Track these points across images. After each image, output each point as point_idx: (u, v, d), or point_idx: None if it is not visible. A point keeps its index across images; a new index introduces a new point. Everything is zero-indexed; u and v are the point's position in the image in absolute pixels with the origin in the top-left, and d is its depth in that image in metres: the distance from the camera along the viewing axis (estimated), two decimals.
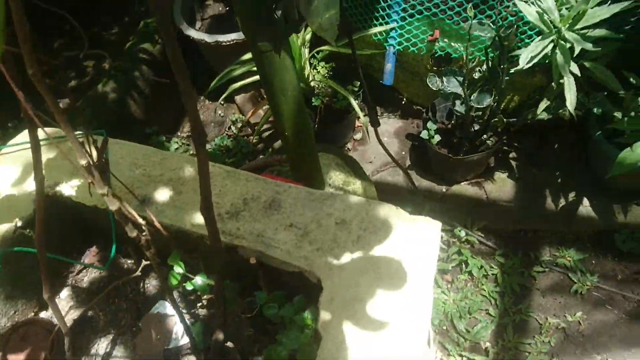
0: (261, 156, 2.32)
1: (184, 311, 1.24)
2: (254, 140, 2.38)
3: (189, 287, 1.10)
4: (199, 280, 1.10)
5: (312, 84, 2.12)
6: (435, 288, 1.90)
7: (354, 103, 1.99)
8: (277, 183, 1.10)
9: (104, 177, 0.90)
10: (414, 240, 1.01)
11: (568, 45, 1.58)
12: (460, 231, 2.00)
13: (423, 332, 0.94)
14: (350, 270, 0.97)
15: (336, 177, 1.92)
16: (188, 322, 1.21)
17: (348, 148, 2.31)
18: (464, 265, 1.95)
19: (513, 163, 2.14)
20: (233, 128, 2.46)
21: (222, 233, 1.06)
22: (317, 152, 1.70)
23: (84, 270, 1.32)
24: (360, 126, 2.33)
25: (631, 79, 1.70)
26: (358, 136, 2.33)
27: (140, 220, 0.80)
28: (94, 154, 0.83)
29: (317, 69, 2.04)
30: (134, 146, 1.24)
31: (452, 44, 1.92)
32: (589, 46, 1.51)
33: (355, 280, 0.96)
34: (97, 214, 1.17)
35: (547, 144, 2.14)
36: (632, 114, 1.71)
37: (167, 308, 1.24)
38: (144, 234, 0.80)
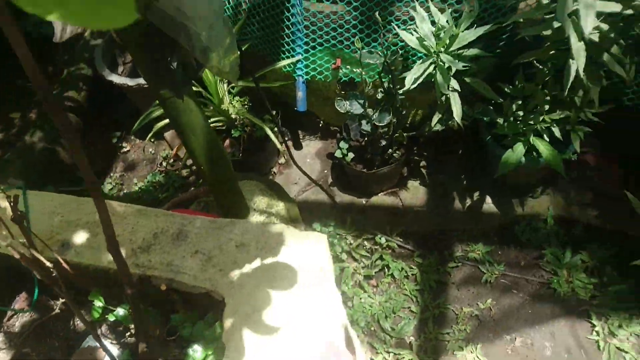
0: (192, 188, 2.43)
1: (114, 341, 1.34)
2: (184, 173, 2.50)
3: (111, 318, 1.21)
4: (120, 311, 1.21)
5: (232, 116, 2.27)
6: (362, 293, 2.07)
7: (269, 132, 2.15)
8: (183, 216, 1.24)
9: (23, 228, 1.02)
10: (306, 252, 1.16)
11: (446, 65, 1.80)
12: (380, 238, 2.18)
13: (332, 331, 1.07)
14: (250, 286, 1.11)
15: (260, 202, 2.06)
16: (119, 350, 1.31)
17: (274, 172, 2.46)
18: (386, 269, 2.12)
19: (424, 171, 2.35)
20: (164, 163, 2.57)
21: (136, 266, 1.18)
22: (238, 181, 1.84)
23: (15, 316, 1.40)
24: (284, 150, 2.49)
25: (506, 89, 1.93)
26: (282, 160, 2.49)
27: (48, 264, 0.91)
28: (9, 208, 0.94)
29: (232, 103, 2.20)
30: (52, 195, 1.35)
31: (353, 70, 2.12)
32: (459, 66, 1.73)
33: (254, 295, 1.10)
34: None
35: (451, 152, 2.36)
36: (511, 119, 1.94)
37: None
38: (53, 274, 0.91)
